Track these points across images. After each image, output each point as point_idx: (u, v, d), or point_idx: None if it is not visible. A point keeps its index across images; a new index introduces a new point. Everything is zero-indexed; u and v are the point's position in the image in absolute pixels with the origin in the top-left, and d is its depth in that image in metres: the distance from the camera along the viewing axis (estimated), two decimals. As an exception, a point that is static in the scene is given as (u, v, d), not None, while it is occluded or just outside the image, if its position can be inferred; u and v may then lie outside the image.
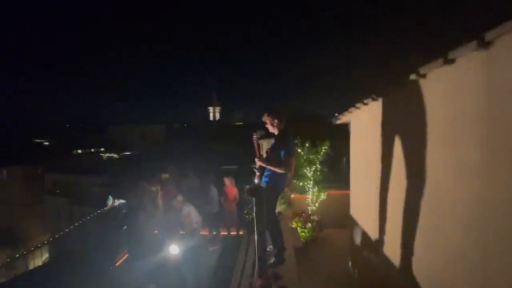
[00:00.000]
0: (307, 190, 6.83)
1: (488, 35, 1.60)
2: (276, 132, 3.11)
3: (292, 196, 6.86)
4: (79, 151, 39.35)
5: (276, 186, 3.09)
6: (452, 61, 1.96)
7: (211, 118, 73.97)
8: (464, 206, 1.95)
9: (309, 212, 6.59)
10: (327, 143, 6.77)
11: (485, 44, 1.64)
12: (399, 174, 2.90)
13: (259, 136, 2.99)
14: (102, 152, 40.13)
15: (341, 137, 6.38)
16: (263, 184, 3.05)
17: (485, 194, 1.75)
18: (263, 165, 2.95)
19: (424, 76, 2.35)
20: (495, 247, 1.68)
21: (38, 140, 43.73)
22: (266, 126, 3.17)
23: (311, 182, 6.75)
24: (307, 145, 6.65)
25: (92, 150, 41.31)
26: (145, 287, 3.92)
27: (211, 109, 74.53)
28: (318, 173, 6.69)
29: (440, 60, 2.01)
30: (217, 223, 5.68)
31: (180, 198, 4.78)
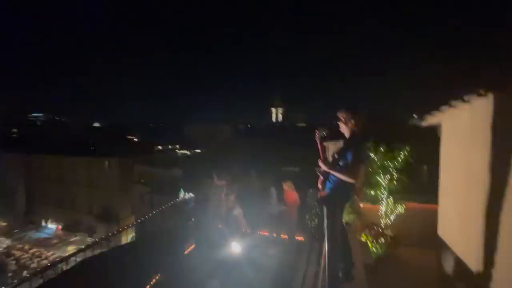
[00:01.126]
0: (381, 200, 6.06)
1: None
2: (347, 134, 2.74)
3: (361, 206, 6.22)
4: (159, 147, 44.94)
5: (341, 194, 2.72)
6: None
7: (274, 119, 74.83)
8: None
9: (382, 226, 5.83)
10: (407, 148, 5.89)
11: None
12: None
13: (323, 135, 2.67)
14: (177, 149, 44.88)
15: (424, 141, 5.45)
16: (326, 191, 2.70)
17: None
18: (326, 169, 2.64)
19: None
20: None
21: (130, 137, 51.86)
22: (339, 123, 2.83)
23: (386, 192, 5.96)
24: (381, 149, 5.91)
25: (170, 146, 46.68)
26: (209, 281, 4.05)
27: (273, 110, 75.44)
28: (395, 181, 5.86)
29: None
30: (277, 226, 5.58)
31: (232, 197, 4.80)
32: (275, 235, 5.51)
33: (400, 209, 5.83)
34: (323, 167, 2.65)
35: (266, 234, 5.53)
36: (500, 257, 2.53)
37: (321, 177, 2.76)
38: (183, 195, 7.16)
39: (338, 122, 2.80)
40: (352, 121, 2.69)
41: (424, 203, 5.84)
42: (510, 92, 2.42)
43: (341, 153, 2.69)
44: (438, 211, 4.38)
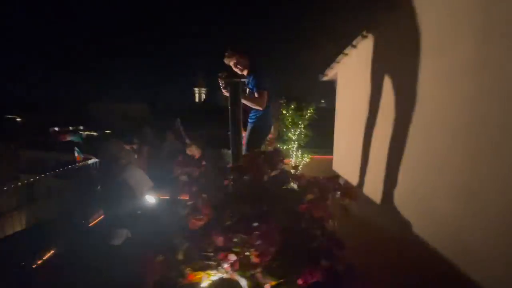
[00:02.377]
0: (291, 154, 6.72)
1: None
2: (245, 72, 2.79)
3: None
4: (56, 128, 37.49)
5: (263, 126, 2.89)
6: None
7: (197, 100, 72.32)
8: (455, 109, 1.84)
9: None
10: (313, 106, 6.62)
11: None
12: (387, 107, 2.78)
13: (224, 75, 2.62)
14: (81, 130, 38.47)
15: (328, 97, 6.24)
16: (248, 127, 2.85)
17: (475, 88, 1.63)
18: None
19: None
20: (485, 151, 1.59)
21: (9, 116, 41.22)
22: (233, 69, 2.81)
23: (295, 146, 6.63)
24: (292, 106, 6.46)
25: (71, 128, 39.52)
26: (117, 231, 3.71)
27: (196, 90, 72.73)
28: (303, 136, 6.56)
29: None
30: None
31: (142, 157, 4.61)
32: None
33: (307, 159, 6.61)
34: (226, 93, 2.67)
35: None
36: (371, 166, 3.17)
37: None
38: (78, 155, 6.24)
39: (231, 68, 2.80)
40: (245, 58, 2.72)
41: (325, 154, 6.84)
42: (383, 29, 2.93)
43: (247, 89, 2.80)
44: (333, 155, 5.17)
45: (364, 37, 3.27)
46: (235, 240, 0.80)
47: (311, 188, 0.93)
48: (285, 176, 0.96)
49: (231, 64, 2.73)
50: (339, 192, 0.99)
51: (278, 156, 1.00)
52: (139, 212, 4.20)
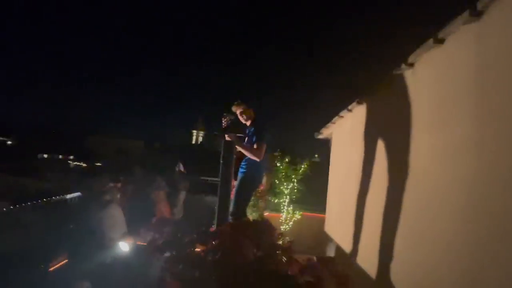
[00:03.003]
0: (282, 208, 6.48)
1: (480, 3, 1.59)
2: (249, 123, 3.02)
3: (266, 214, 6.47)
4: (45, 155, 36.75)
5: (253, 177, 2.94)
6: (442, 41, 1.94)
7: (193, 142, 73.18)
8: (453, 189, 1.78)
9: (282, 231, 6.16)
10: (307, 161, 6.64)
11: (477, 14, 1.63)
12: (381, 176, 2.73)
13: (229, 120, 2.78)
14: (71, 160, 37.75)
15: (323, 154, 6.30)
16: (239, 175, 2.89)
17: (474, 171, 1.60)
18: (230, 139, 2.72)
19: (411, 65, 2.33)
20: (489, 234, 1.48)
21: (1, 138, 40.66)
22: (239, 117, 3.04)
23: (287, 200, 6.44)
24: (286, 160, 6.47)
25: (60, 156, 38.77)
26: (77, 285, 3.25)
27: (194, 132, 74.13)
28: (295, 190, 6.43)
29: (430, 42, 1.99)
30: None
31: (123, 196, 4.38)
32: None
33: (298, 216, 6.35)
34: (230, 138, 2.70)
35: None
36: (365, 233, 2.99)
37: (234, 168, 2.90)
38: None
39: (236, 116, 3.01)
40: (250, 110, 2.99)
41: (317, 212, 6.59)
42: (376, 97, 3.08)
43: (246, 138, 2.92)
44: (325, 215, 4.97)
45: (360, 103, 3.41)
46: None
47: (302, 274, 0.79)
48: (275, 257, 0.83)
49: (238, 112, 2.94)
50: (334, 280, 0.84)
51: (270, 230, 0.88)
52: (108, 260, 3.78)
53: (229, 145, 2.06)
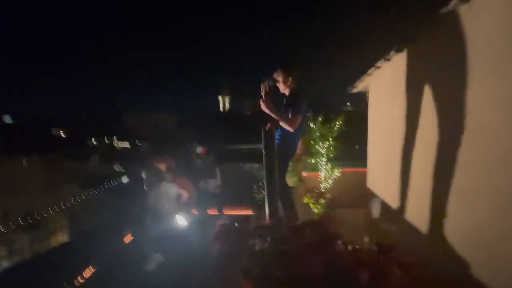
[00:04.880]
0: (320, 167, 6.48)
1: None
2: (287, 92, 2.93)
3: (304, 174, 6.57)
4: (93, 141, 40.35)
5: (289, 146, 2.94)
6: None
7: (221, 108, 73.82)
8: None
9: (322, 189, 6.27)
10: (341, 117, 6.36)
11: None
12: (430, 131, 2.53)
13: (268, 85, 2.70)
14: (115, 141, 41.06)
15: (357, 109, 5.99)
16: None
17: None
18: (268, 111, 2.70)
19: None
20: None
21: (55, 132, 45.17)
22: (277, 85, 2.97)
23: (324, 159, 6.39)
24: (320, 119, 6.26)
25: (106, 139, 42.27)
26: (150, 256, 3.78)
27: (220, 98, 74.31)
28: (332, 149, 6.31)
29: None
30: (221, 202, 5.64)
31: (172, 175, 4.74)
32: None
33: (337, 173, 6.34)
34: (265, 109, 2.69)
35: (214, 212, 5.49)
36: (414, 188, 2.91)
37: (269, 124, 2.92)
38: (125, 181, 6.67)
39: (276, 83, 2.92)
40: (290, 79, 2.86)
41: (357, 167, 6.50)
42: (421, 43, 2.71)
43: (282, 108, 2.85)
44: (367, 168, 4.88)
45: (399, 51, 3.05)
46: None
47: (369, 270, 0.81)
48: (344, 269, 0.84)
49: (279, 79, 2.89)
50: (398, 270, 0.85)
51: (332, 230, 0.89)
52: (171, 234, 4.28)
53: (270, 134, 2.03)
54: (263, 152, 1.93)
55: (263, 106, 2.70)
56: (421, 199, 2.67)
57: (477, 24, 1.95)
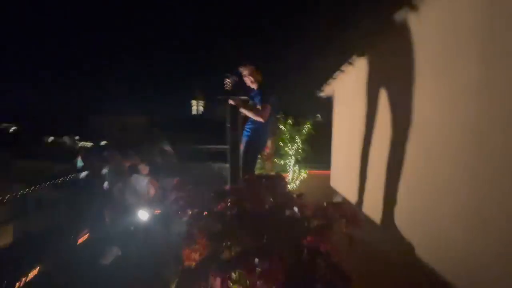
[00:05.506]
0: (288, 168, 6.66)
1: None
2: (254, 85, 2.97)
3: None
4: (51, 138, 37.22)
5: (258, 140, 2.96)
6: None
7: (194, 112, 72.60)
8: (455, 133, 1.82)
9: (289, 190, 6.43)
10: (310, 121, 6.64)
11: None
12: (384, 126, 2.76)
13: (232, 81, 2.70)
14: (77, 140, 38.25)
15: (325, 113, 6.29)
16: (243, 139, 2.91)
17: (477, 113, 1.62)
18: (234, 103, 2.72)
19: (415, 8, 2.21)
20: (490, 173, 1.55)
21: (5, 124, 40.89)
22: (245, 79, 3.00)
23: (293, 161, 6.59)
24: (290, 122, 6.48)
25: (67, 138, 39.24)
26: (106, 249, 3.55)
27: (194, 102, 73.15)
28: (300, 151, 6.54)
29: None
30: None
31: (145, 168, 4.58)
32: None
33: (304, 174, 6.56)
34: (233, 102, 2.70)
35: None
36: (370, 183, 3.12)
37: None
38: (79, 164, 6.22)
39: (242, 78, 2.95)
40: (257, 73, 2.91)
41: (322, 170, 6.80)
42: (379, 47, 2.97)
43: (251, 101, 2.90)
44: (330, 169, 5.12)
45: (360, 55, 3.30)
46: (233, 277, 0.73)
47: (315, 217, 0.87)
48: (289, 203, 0.90)
49: (245, 73, 2.91)
50: (344, 220, 0.93)
51: (280, 182, 0.94)
52: (132, 228, 4.07)
53: (234, 109, 2.05)
54: (228, 127, 1.96)
55: (232, 101, 2.73)
56: (375, 190, 2.87)
57: (423, 30, 2.21)
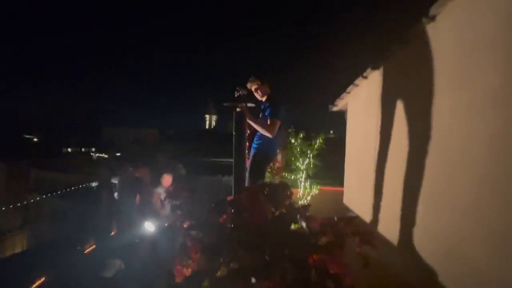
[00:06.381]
0: (299, 184, 6.48)
1: None
2: (264, 99, 2.91)
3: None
4: (69, 149, 38.55)
5: (267, 153, 2.89)
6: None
7: (207, 127, 73.76)
8: (476, 147, 1.67)
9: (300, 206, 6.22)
10: (322, 136, 6.51)
11: None
12: (400, 141, 2.62)
13: (242, 94, 2.65)
14: (93, 152, 39.44)
15: (338, 128, 6.17)
16: (252, 151, 2.86)
17: (500, 125, 1.48)
18: (241, 110, 2.66)
19: (433, 18, 2.13)
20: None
21: (27, 136, 42.84)
22: (254, 93, 2.96)
23: (304, 176, 6.41)
24: (301, 135, 6.37)
25: (83, 149, 40.55)
26: (108, 262, 3.47)
27: (207, 117, 74.47)
28: (311, 166, 6.37)
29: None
30: None
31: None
32: None
33: (315, 190, 6.34)
34: (240, 109, 2.63)
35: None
36: (385, 201, 2.93)
37: (247, 143, 2.88)
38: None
39: (250, 91, 2.91)
40: (265, 85, 2.87)
41: (334, 186, 6.56)
42: (394, 60, 2.89)
43: (259, 113, 2.85)
44: (344, 187, 4.92)
45: (375, 68, 3.22)
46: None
47: (324, 233, 0.77)
48: (293, 215, 0.81)
49: (253, 88, 2.84)
50: (357, 238, 0.82)
51: (284, 191, 0.85)
52: (136, 240, 4.00)
53: (241, 116, 2.01)
54: (233, 134, 1.89)
55: (238, 109, 2.68)
56: (391, 210, 2.69)
57: (440, 41, 2.12)
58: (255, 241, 0.74)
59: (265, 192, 0.84)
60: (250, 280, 0.61)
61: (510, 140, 1.44)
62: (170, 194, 0.98)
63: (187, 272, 0.73)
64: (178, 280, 0.73)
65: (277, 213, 0.81)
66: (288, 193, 0.87)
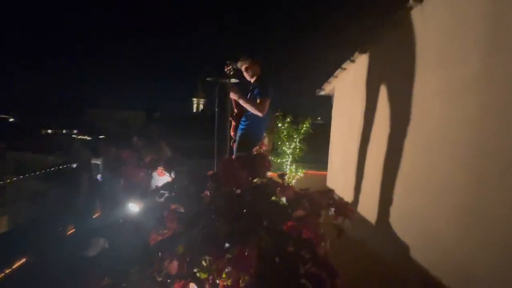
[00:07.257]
0: (285, 167, 6.57)
1: None
2: (252, 78, 2.87)
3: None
4: (49, 131, 37.05)
5: (253, 135, 2.87)
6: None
7: (195, 110, 72.40)
8: (455, 128, 1.73)
9: (285, 189, 6.33)
10: (309, 120, 6.54)
11: None
12: (383, 123, 2.67)
13: (232, 69, 2.59)
14: (74, 134, 38.11)
15: (326, 113, 6.21)
16: (238, 132, 2.82)
17: (480, 107, 1.53)
18: (236, 97, 2.63)
19: (420, 1, 2.12)
20: (491, 171, 1.46)
21: (2, 116, 40.69)
22: (244, 73, 2.91)
23: (289, 160, 6.49)
24: (288, 119, 6.38)
25: (64, 131, 39.07)
26: (92, 241, 3.44)
27: (195, 100, 72.94)
28: (297, 150, 6.44)
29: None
30: None
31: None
32: None
33: (300, 174, 6.46)
34: (233, 96, 2.61)
35: None
36: (366, 182, 3.03)
37: (233, 123, 2.83)
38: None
39: (239, 71, 2.85)
40: (256, 65, 2.82)
41: (319, 170, 6.71)
42: (381, 44, 2.89)
43: (250, 94, 2.81)
44: (328, 169, 5.04)
45: (362, 52, 3.22)
46: (203, 263, 0.64)
47: (300, 203, 0.78)
48: (270, 186, 0.81)
49: (243, 68, 2.80)
50: (333, 209, 0.84)
51: (262, 161, 0.85)
52: (120, 220, 3.99)
53: (224, 90, 1.96)
54: (216, 110, 1.86)
55: (233, 95, 2.64)
56: (371, 190, 2.78)
57: (427, 24, 2.13)
58: (232, 210, 0.74)
59: (241, 162, 0.83)
60: (223, 245, 0.62)
61: (486, 123, 1.50)
62: (146, 165, 0.96)
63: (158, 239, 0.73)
64: (152, 243, 0.73)
65: (255, 182, 0.81)
66: (266, 163, 0.87)
